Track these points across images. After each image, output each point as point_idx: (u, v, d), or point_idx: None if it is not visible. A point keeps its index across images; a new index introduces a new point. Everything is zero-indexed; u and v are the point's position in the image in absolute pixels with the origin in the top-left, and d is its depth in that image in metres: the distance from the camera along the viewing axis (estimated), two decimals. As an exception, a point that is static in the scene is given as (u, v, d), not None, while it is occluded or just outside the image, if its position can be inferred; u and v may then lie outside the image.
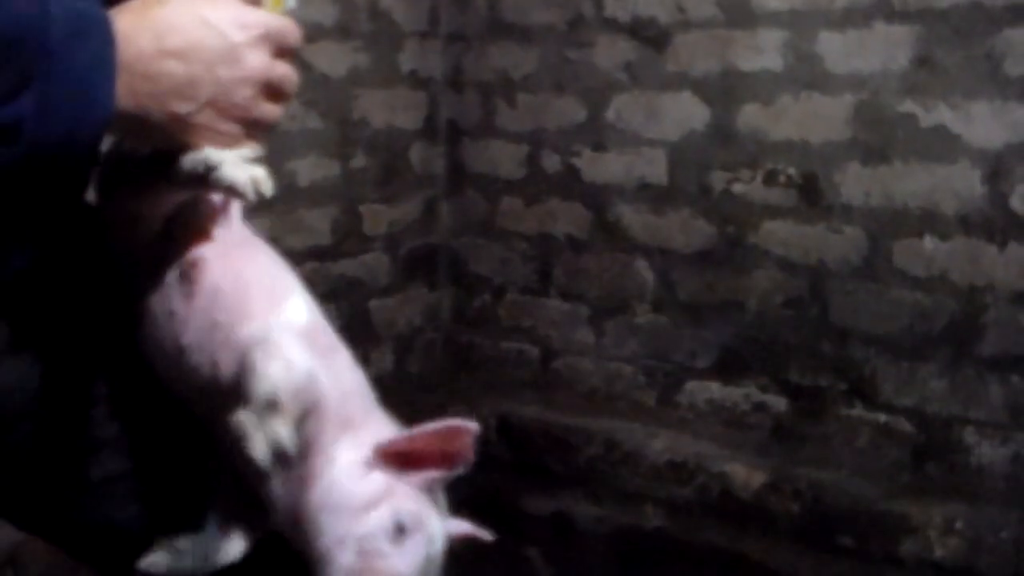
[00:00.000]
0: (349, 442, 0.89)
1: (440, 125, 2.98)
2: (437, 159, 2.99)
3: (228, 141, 0.87)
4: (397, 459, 0.90)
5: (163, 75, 0.82)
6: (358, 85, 2.77)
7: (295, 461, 0.88)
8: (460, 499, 3.09)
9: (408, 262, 2.95)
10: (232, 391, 0.88)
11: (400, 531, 0.88)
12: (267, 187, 0.85)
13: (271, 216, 2.60)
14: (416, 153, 2.94)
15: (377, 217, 2.87)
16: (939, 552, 2.13)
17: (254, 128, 0.89)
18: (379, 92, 2.82)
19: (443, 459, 0.91)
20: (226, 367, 0.89)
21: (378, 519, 0.88)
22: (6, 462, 1.00)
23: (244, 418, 0.85)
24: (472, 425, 0.90)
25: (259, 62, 0.86)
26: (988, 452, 2.24)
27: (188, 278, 0.92)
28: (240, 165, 0.85)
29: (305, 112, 2.66)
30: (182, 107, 0.83)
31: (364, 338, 2.86)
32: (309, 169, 2.69)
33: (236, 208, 0.99)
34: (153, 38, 0.81)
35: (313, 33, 2.65)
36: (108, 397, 1.00)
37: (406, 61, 2.89)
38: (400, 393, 2.87)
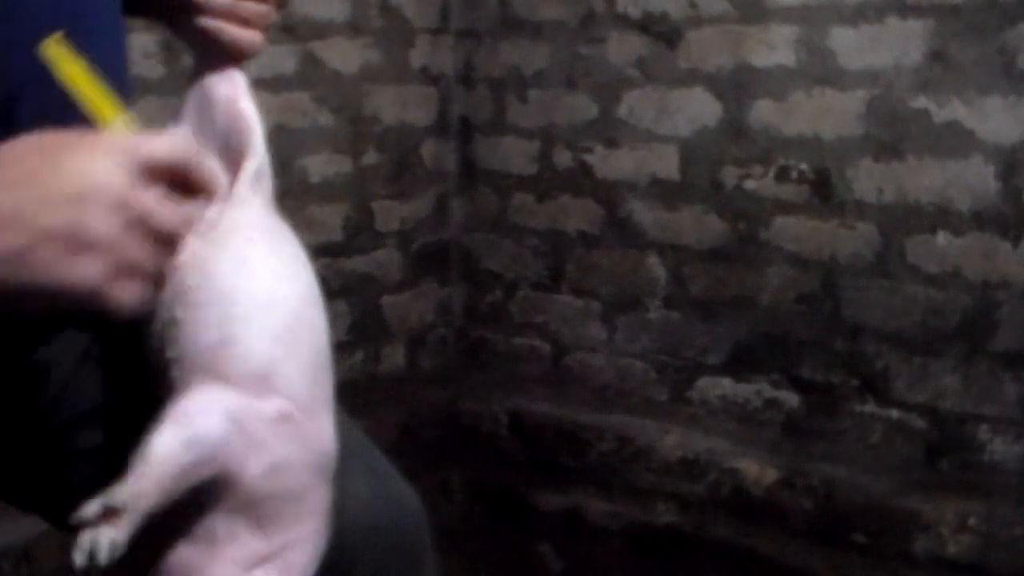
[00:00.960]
0: (247, 535, 0.82)
1: (452, 121, 2.98)
2: (449, 155, 2.99)
3: (96, 283, 0.73)
4: None
5: None
6: (369, 81, 2.78)
7: (189, 514, 0.81)
8: (473, 496, 3.11)
9: (420, 258, 2.96)
10: (177, 388, 0.82)
11: None
12: (100, 557, 0.74)
13: (283, 212, 2.61)
14: (428, 149, 2.95)
15: (389, 213, 2.87)
16: (952, 549, 2.12)
17: (134, 273, 0.75)
18: (390, 88, 2.83)
19: None
20: (174, 361, 0.83)
21: None
22: (25, 461, 1.00)
23: (87, 509, 0.74)
24: None
25: (134, 197, 0.73)
26: (1001, 449, 2.23)
27: (164, 280, 0.87)
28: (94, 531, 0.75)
29: (317, 109, 2.67)
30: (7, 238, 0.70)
31: (376, 334, 2.86)
32: (320, 165, 2.70)
33: (249, 188, 0.92)
34: None
35: (324, 30, 2.65)
36: (114, 398, 1.00)
37: (417, 57, 2.89)
38: (412, 389, 2.88)
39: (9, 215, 0.70)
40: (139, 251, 0.74)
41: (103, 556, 0.73)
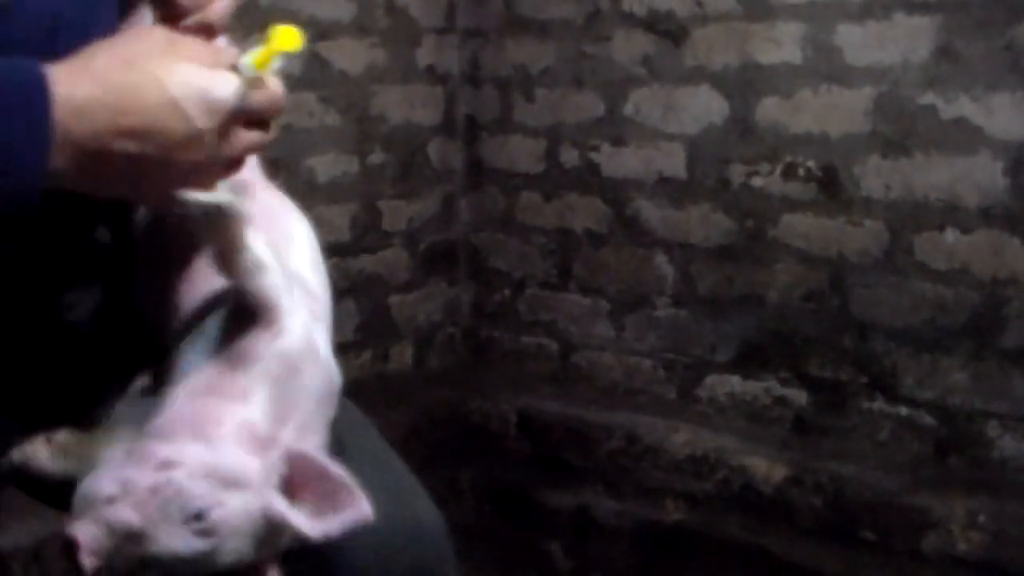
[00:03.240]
0: (275, 416, 0.81)
1: (458, 120, 2.98)
2: (455, 154, 2.99)
3: (165, 200, 0.83)
4: (291, 471, 0.80)
5: (115, 155, 0.76)
6: (376, 81, 2.78)
7: (233, 368, 0.81)
8: (481, 494, 3.11)
9: (427, 257, 2.96)
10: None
11: (198, 520, 0.76)
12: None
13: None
14: (434, 149, 2.95)
15: (396, 213, 2.87)
16: (962, 546, 2.12)
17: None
18: (397, 88, 2.83)
19: (319, 501, 0.81)
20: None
21: (199, 487, 0.76)
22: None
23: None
24: (367, 513, 0.80)
25: (222, 146, 0.80)
26: (1011, 445, 2.23)
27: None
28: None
29: (323, 109, 2.67)
30: (127, 190, 0.79)
31: (384, 334, 2.87)
32: (327, 166, 2.70)
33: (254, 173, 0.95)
34: (111, 116, 0.75)
35: (330, 30, 2.65)
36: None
37: (423, 57, 2.89)
38: (420, 388, 2.88)
39: (134, 167, 0.77)
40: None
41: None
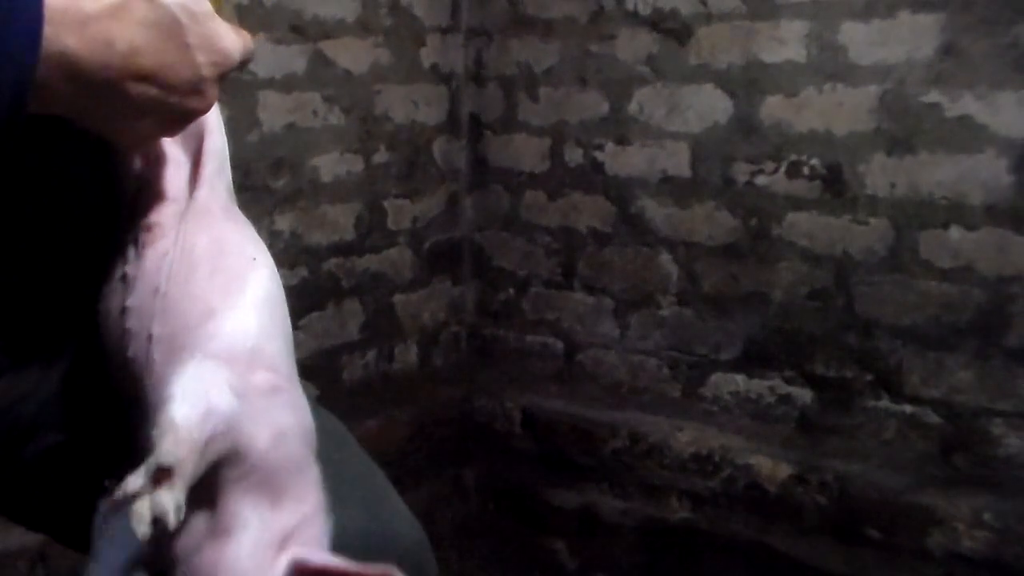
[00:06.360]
0: (267, 511, 0.81)
1: (462, 119, 2.98)
2: (460, 153, 2.99)
3: (147, 143, 0.86)
4: (310, 571, 0.82)
5: (127, 94, 0.77)
6: (380, 80, 2.78)
7: (207, 503, 0.80)
8: (486, 493, 3.11)
9: (432, 256, 2.96)
10: (157, 367, 0.83)
11: None
12: (170, 520, 0.73)
13: (295, 212, 2.62)
14: (439, 148, 2.95)
15: (401, 212, 2.87)
16: (967, 544, 2.12)
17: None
18: (401, 87, 2.83)
19: None
20: (159, 338, 0.84)
21: None
22: (25, 472, 0.99)
23: (132, 482, 0.73)
24: None
25: (214, 96, 0.83)
26: (1016, 443, 2.22)
27: (142, 242, 0.88)
28: (151, 498, 0.73)
29: (327, 108, 2.67)
30: (122, 103, 0.78)
31: (389, 332, 2.87)
32: (332, 165, 2.70)
33: (214, 173, 0.93)
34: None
35: (334, 29, 2.66)
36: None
37: (428, 56, 2.89)
38: (425, 387, 2.89)
39: (145, 104, 0.79)
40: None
41: (172, 517, 0.72)
